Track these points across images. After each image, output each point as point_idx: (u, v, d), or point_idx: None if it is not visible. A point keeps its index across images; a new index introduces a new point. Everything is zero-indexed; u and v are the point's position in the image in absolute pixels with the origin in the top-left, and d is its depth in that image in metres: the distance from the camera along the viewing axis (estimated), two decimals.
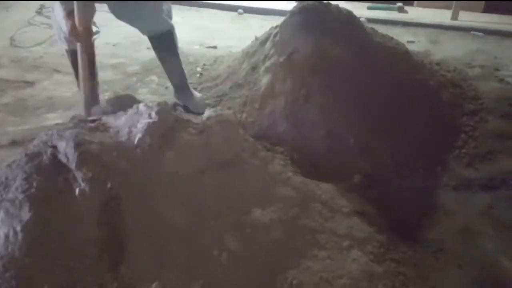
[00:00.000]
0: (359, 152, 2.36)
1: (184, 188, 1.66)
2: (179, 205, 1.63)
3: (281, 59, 2.60)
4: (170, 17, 2.75)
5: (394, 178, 2.31)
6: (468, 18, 4.66)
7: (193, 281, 1.51)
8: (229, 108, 2.53)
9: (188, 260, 1.56)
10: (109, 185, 1.56)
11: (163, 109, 1.69)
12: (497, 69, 3.58)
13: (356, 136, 2.37)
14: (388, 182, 2.29)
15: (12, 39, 4.04)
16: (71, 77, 3.27)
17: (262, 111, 2.55)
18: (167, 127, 1.69)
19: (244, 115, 2.59)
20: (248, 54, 2.93)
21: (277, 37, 2.73)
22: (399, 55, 2.82)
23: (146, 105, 1.72)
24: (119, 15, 2.58)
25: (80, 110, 2.39)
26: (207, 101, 2.82)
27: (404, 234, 2.02)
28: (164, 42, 2.76)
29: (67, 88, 3.22)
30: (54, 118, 2.83)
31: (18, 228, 1.48)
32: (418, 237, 2.01)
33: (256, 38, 3.11)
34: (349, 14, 2.82)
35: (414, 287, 1.75)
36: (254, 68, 2.78)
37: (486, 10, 4.95)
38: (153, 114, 1.65)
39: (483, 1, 4.96)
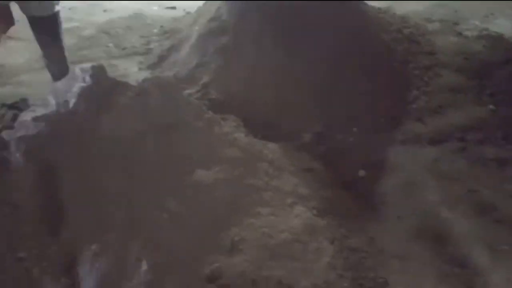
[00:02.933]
0: (309, 110, 2.38)
1: (122, 152, 1.66)
2: (118, 168, 1.64)
3: (233, 20, 2.57)
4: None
5: (343, 135, 2.35)
6: None
7: (133, 242, 1.54)
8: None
9: (128, 222, 1.58)
10: (44, 155, 1.56)
11: (98, 72, 1.67)
12: (456, 23, 3.59)
13: (306, 93, 2.38)
14: (337, 139, 2.33)
15: None
16: (25, 43, 3.18)
17: (215, 74, 2.54)
18: (103, 90, 1.67)
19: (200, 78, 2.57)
20: (200, 15, 2.88)
21: None
22: (352, 10, 2.79)
23: (81, 68, 1.69)
24: None
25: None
26: None
27: (349, 189, 2.08)
28: (46, 26, 2.43)
29: (20, 54, 3.14)
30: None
31: None
32: (362, 191, 2.06)
33: None
34: None
35: (354, 238, 1.82)
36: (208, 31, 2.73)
37: None
38: (87, 78, 1.63)
39: None
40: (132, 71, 2.78)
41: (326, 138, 2.31)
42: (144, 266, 1.49)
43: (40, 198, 1.56)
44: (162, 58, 2.86)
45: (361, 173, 2.16)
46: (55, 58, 2.47)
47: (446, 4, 3.98)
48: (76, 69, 1.72)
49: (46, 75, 2.55)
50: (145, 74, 2.66)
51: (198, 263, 1.57)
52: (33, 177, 1.56)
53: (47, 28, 2.41)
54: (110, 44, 3.19)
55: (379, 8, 3.60)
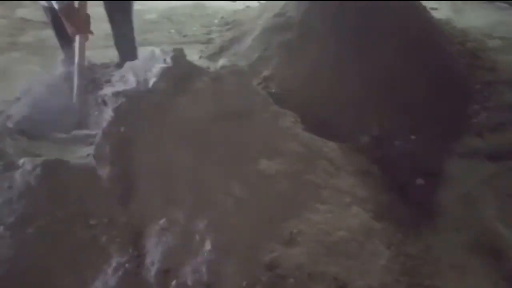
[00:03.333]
0: (368, 113, 2.38)
1: (194, 134, 1.71)
2: (189, 149, 1.69)
3: (298, 17, 2.59)
4: None
5: (402, 141, 2.33)
6: None
7: (199, 221, 1.58)
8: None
9: (195, 201, 1.63)
10: (122, 129, 1.62)
11: (178, 55, 1.72)
12: None
13: (367, 96, 2.38)
14: (396, 145, 2.32)
15: None
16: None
17: (276, 68, 2.57)
18: (181, 73, 1.72)
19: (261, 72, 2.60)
20: (265, 9, 2.92)
21: None
22: (419, 15, 2.78)
23: (162, 50, 1.75)
24: None
25: None
26: None
27: (406, 195, 2.07)
28: (120, 6, 2.53)
29: None
30: None
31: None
32: (419, 200, 2.05)
33: None
34: None
35: (411, 245, 1.82)
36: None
37: None
38: (168, 60, 1.69)
39: None
40: (193, 59, 2.83)
41: (384, 142, 2.30)
42: (208, 246, 1.54)
43: (114, 169, 1.62)
44: (222, 49, 2.91)
45: (419, 181, 2.15)
46: (126, 38, 2.56)
47: (507, 22, 3.90)
48: (156, 51, 1.78)
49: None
50: (206, 62, 2.72)
51: (258, 250, 1.60)
52: (110, 148, 1.62)
53: (120, 8, 2.50)
54: (172, 30, 3.26)
55: (440, 19, 3.57)
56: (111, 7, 2.52)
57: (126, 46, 2.58)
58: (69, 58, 2.32)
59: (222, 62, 1.76)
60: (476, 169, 2.25)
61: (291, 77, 2.51)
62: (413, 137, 2.35)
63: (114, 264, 1.51)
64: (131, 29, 2.57)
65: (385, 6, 2.59)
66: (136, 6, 3.64)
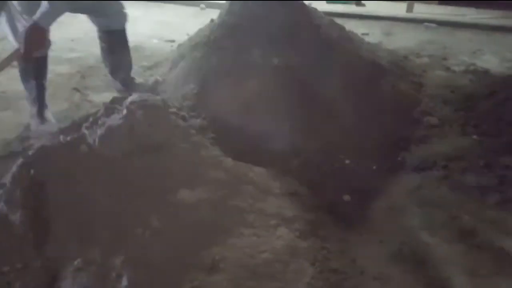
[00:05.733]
0: (298, 137, 2.45)
1: (109, 170, 1.72)
2: (104, 186, 1.70)
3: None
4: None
5: (330, 161, 2.40)
6: (423, 10, 4.80)
7: (115, 257, 1.58)
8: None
9: (111, 238, 1.63)
10: (32, 171, 1.62)
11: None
12: (445, 59, 3.71)
13: (294, 119, 2.45)
14: (324, 165, 2.38)
15: None
16: None
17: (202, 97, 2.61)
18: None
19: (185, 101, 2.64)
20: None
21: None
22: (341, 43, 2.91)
23: None
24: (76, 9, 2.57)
25: None
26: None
27: (333, 212, 2.11)
28: (120, 37, 2.84)
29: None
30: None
31: None
32: (346, 215, 2.10)
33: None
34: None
35: (336, 260, 1.85)
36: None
37: (442, 1, 5.07)
38: None
39: None
40: None
41: (313, 164, 2.36)
42: (125, 282, 1.53)
43: (26, 213, 1.61)
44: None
45: (346, 197, 2.20)
46: (125, 67, 2.89)
47: (435, 40, 4.13)
48: None
49: None
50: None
51: (178, 281, 1.59)
52: (21, 192, 1.61)
53: (120, 40, 2.82)
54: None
55: (368, 43, 3.74)
56: (110, 40, 2.79)
57: (125, 74, 2.91)
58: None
59: (131, 97, 1.79)
60: (402, 181, 2.33)
61: (212, 103, 2.55)
62: (341, 156, 2.43)
63: None
64: (129, 55, 2.92)
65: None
66: (76, 53, 3.75)
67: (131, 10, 4.77)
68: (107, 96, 2.68)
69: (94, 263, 1.57)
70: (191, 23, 4.59)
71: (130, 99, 1.77)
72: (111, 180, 1.71)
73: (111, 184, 1.71)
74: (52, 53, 2.82)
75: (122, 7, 2.77)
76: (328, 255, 1.86)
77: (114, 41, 2.82)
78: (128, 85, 2.92)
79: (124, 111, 1.76)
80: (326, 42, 2.77)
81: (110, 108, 1.80)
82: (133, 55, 3.64)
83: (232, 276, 1.66)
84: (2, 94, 3.11)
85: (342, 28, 3.15)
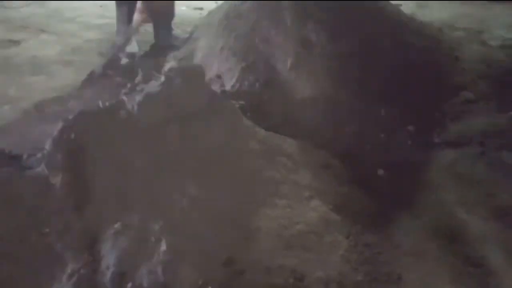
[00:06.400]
0: (330, 109, 2.41)
1: (147, 137, 1.72)
2: (143, 152, 1.70)
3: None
4: None
5: (364, 134, 2.36)
6: None
7: (153, 223, 1.59)
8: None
9: (149, 203, 1.64)
10: (72, 135, 1.63)
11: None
12: (481, 32, 3.58)
13: (327, 91, 2.41)
14: (358, 138, 2.35)
15: None
16: (57, 37, 3.30)
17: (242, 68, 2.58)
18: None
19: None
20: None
21: None
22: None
23: None
24: None
25: None
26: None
27: (367, 187, 2.09)
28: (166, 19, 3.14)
29: (51, 47, 3.26)
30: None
31: None
32: (380, 190, 2.08)
33: None
34: None
35: (369, 234, 1.84)
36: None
37: None
38: None
39: None
40: None
41: (347, 137, 2.33)
42: (163, 247, 1.54)
43: (67, 174, 1.63)
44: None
45: (380, 172, 2.17)
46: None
47: (471, 14, 3.98)
48: None
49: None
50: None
51: (214, 248, 1.61)
52: (62, 156, 1.63)
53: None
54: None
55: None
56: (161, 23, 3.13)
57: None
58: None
59: (170, 64, 1.78)
60: (437, 156, 2.28)
61: (244, 73, 2.52)
62: (376, 130, 2.39)
63: (69, 271, 1.51)
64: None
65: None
66: (105, 19, 3.72)
67: None
68: None
69: (133, 227, 1.59)
70: None
71: (168, 65, 1.75)
72: (149, 146, 1.71)
73: (149, 151, 1.71)
74: (81, 19, 2.84)
75: None
76: (363, 229, 1.85)
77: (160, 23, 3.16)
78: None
79: (162, 78, 1.74)
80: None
81: (148, 74, 1.78)
82: None
83: (267, 245, 1.66)
84: (33, 58, 3.12)
85: None
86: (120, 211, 1.63)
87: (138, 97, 1.73)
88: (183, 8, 3.99)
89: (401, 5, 4.08)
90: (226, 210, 1.72)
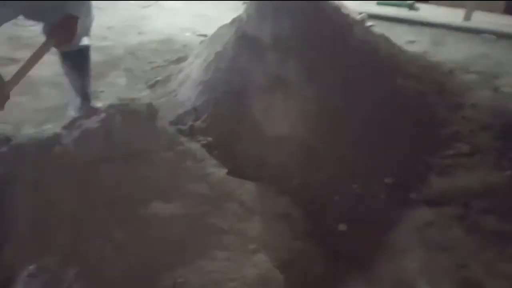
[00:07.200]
0: (302, 153, 2.27)
1: (79, 175, 1.66)
2: (71, 191, 1.63)
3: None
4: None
5: (335, 186, 2.20)
6: (483, 19, 4.35)
7: (69, 268, 1.51)
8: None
9: (70, 247, 1.56)
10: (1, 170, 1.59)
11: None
12: (496, 77, 3.32)
13: (301, 139, 2.28)
14: (327, 189, 2.19)
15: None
16: (56, 57, 3.33)
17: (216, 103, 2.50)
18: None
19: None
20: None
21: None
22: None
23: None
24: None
25: None
26: None
27: (324, 243, 1.93)
28: (82, 57, 2.50)
29: (47, 68, 3.29)
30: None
31: None
32: (338, 248, 1.91)
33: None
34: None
35: None
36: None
37: (508, 11, 4.58)
38: None
39: (504, 1, 4.59)
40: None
41: (315, 185, 2.18)
42: None
43: None
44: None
45: (342, 227, 2.00)
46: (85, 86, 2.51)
47: (490, 55, 3.72)
48: None
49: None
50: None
51: None
52: None
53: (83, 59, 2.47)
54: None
55: (414, 52, 3.43)
56: (72, 61, 2.48)
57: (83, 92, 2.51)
58: None
59: (111, 101, 1.71)
60: (412, 216, 2.07)
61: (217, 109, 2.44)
62: (354, 185, 2.21)
63: None
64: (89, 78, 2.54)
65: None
66: (107, 42, 3.76)
67: (172, 3, 4.85)
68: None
69: (49, 270, 1.51)
70: (229, 17, 4.47)
71: (110, 103, 1.69)
72: (79, 185, 1.65)
73: (79, 190, 1.64)
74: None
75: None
76: None
77: (72, 61, 2.48)
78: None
79: (102, 115, 1.68)
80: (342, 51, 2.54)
81: (92, 110, 1.72)
82: (162, 48, 3.64)
83: None
84: (26, 78, 3.16)
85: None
86: (39, 252, 1.56)
87: (76, 133, 1.67)
88: (187, 34, 3.98)
89: (414, 41, 3.92)
90: (154, 260, 1.61)
